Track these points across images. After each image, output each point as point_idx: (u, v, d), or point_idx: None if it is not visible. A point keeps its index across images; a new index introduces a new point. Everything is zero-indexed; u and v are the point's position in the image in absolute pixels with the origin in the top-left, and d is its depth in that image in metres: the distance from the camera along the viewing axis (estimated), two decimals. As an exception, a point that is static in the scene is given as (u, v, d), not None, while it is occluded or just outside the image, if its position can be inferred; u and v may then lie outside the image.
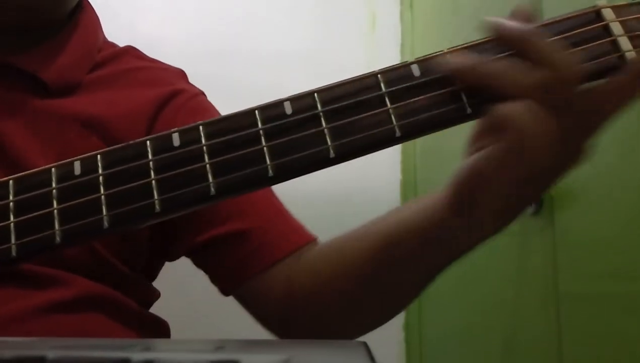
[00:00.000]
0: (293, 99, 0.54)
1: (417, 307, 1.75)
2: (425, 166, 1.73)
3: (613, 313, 0.94)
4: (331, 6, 1.89)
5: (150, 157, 0.53)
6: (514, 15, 0.54)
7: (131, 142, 0.53)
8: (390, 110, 0.53)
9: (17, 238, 0.52)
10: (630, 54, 0.54)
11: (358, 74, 0.54)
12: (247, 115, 0.54)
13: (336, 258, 0.73)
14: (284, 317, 0.78)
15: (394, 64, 0.55)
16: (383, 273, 0.68)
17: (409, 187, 1.80)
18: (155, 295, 0.86)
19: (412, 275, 0.68)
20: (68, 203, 0.52)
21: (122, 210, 0.52)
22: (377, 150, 0.54)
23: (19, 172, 0.54)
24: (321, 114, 0.53)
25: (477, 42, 0.55)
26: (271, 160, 0.52)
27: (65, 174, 0.53)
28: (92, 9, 0.89)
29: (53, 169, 0.53)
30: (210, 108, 0.88)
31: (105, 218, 0.52)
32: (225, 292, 0.82)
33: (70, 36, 0.82)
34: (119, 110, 0.79)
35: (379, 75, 0.54)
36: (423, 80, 0.54)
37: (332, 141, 0.52)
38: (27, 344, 0.45)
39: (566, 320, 1.05)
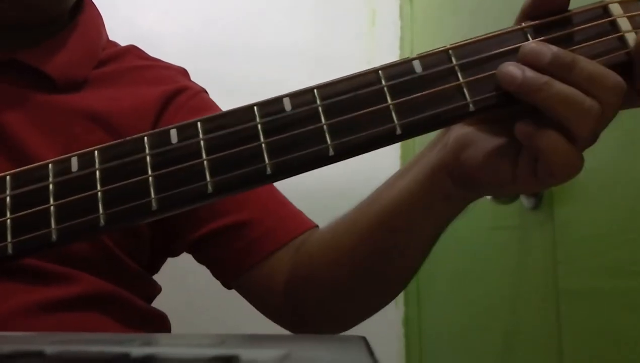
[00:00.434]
0: (292, 95, 0.54)
1: (416, 302, 1.75)
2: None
3: (613, 309, 0.94)
4: (331, 2, 1.89)
5: (147, 153, 0.52)
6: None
7: (128, 138, 0.53)
8: (391, 107, 0.52)
9: (13, 236, 0.51)
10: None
11: (358, 70, 0.53)
12: (246, 112, 0.53)
13: (331, 244, 0.73)
14: (286, 306, 0.78)
15: (395, 60, 0.54)
16: (375, 257, 0.69)
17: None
18: (156, 289, 0.86)
19: (404, 255, 0.70)
20: (64, 200, 0.52)
21: (118, 209, 0.51)
22: (378, 149, 0.54)
23: (25, 165, 0.54)
24: (321, 110, 0.53)
25: (480, 37, 0.54)
26: (269, 158, 0.51)
27: (63, 170, 0.53)
28: (95, 8, 0.90)
29: (50, 165, 0.53)
30: (213, 105, 0.88)
31: (101, 216, 0.51)
32: (227, 284, 0.83)
33: (73, 34, 0.83)
34: (124, 106, 0.79)
35: (380, 72, 0.54)
36: (425, 76, 0.54)
37: (331, 139, 0.52)
38: (25, 339, 0.45)
39: (566, 315, 1.05)
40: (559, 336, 1.06)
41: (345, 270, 0.71)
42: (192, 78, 0.94)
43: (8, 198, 0.52)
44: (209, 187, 0.51)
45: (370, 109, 0.52)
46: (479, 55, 0.54)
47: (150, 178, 0.52)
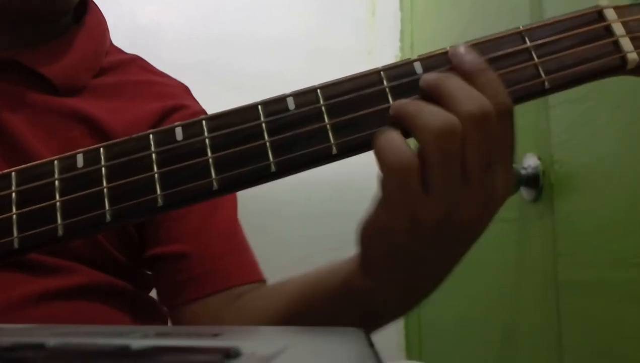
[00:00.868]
0: (296, 95, 0.54)
1: (416, 294, 1.75)
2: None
3: (613, 301, 0.94)
4: (331, -7, 1.89)
5: (153, 150, 0.53)
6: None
7: (134, 135, 0.53)
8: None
9: (19, 231, 0.51)
10: (632, 55, 0.54)
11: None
12: (250, 110, 0.53)
13: (258, 312, 0.72)
14: None
15: (396, 61, 0.55)
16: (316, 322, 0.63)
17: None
18: (152, 280, 0.87)
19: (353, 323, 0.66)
20: (70, 196, 0.52)
21: (124, 205, 0.52)
22: None
23: (27, 162, 0.54)
24: (324, 110, 0.53)
25: (479, 40, 0.54)
26: (274, 156, 0.52)
27: (68, 166, 0.53)
28: (99, 11, 0.90)
29: (56, 161, 0.53)
30: None
31: (107, 212, 0.52)
32: (167, 308, 0.82)
33: (77, 37, 0.83)
34: (121, 119, 0.79)
35: (381, 72, 0.54)
36: None
37: (334, 138, 0.52)
38: (26, 331, 0.45)
39: (566, 307, 1.05)
40: (559, 328, 1.06)
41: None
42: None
43: (14, 194, 0.52)
44: (215, 184, 0.52)
45: (372, 109, 0.53)
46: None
47: (156, 175, 0.52)
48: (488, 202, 0.52)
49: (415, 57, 0.55)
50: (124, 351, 0.31)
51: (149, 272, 0.84)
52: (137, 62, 0.90)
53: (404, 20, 1.87)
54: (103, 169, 0.52)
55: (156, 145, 0.53)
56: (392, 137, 0.49)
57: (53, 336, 0.38)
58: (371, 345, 0.38)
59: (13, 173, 0.53)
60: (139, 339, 0.36)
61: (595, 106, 0.97)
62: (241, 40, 1.78)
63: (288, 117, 0.53)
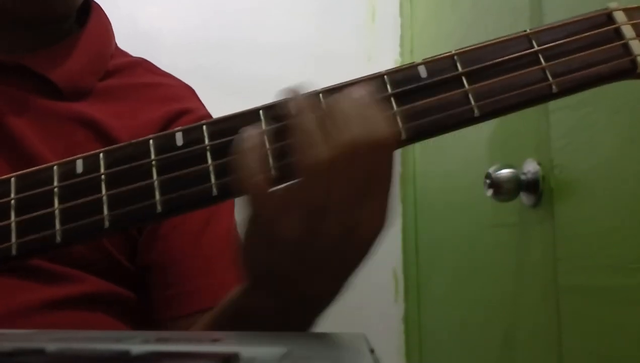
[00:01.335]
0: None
1: (416, 299, 1.75)
2: (425, 159, 1.73)
3: (613, 306, 0.94)
4: (331, -2, 1.89)
5: (153, 156, 0.52)
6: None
7: (134, 141, 0.53)
8: (397, 112, 0.53)
9: (17, 237, 0.51)
10: None
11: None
12: (251, 115, 0.53)
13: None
14: None
15: (401, 65, 0.54)
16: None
17: (408, 179, 1.80)
18: None
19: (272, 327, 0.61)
20: (70, 203, 0.52)
21: (123, 211, 0.51)
22: None
23: (31, 167, 0.54)
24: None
25: (485, 43, 0.54)
26: (274, 162, 0.52)
27: (68, 172, 0.53)
28: (104, 14, 0.90)
29: (55, 167, 0.53)
30: None
31: (106, 218, 0.51)
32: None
33: (81, 41, 0.83)
34: (126, 123, 0.79)
35: (385, 76, 0.54)
36: (430, 81, 0.54)
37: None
38: (26, 336, 0.45)
39: (566, 312, 1.05)
40: (559, 333, 1.06)
41: None
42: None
43: (13, 200, 0.52)
44: (214, 190, 0.51)
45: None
46: (484, 62, 0.54)
47: (156, 181, 0.52)
48: (350, 235, 0.51)
49: (419, 60, 0.54)
50: (124, 356, 0.31)
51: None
52: (143, 65, 0.90)
53: (403, 25, 1.88)
54: (102, 174, 0.52)
55: (156, 151, 0.53)
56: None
57: (53, 341, 0.38)
58: (371, 350, 0.38)
59: (12, 178, 0.53)
60: (139, 344, 0.36)
61: (595, 111, 0.97)
62: (241, 44, 1.78)
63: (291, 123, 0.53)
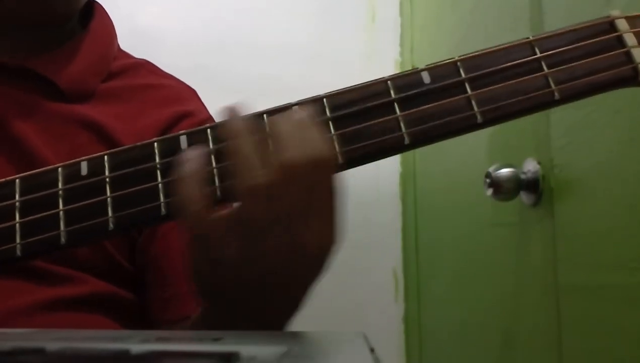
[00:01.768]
0: (302, 103, 0.54)
1: (416, 298, 1.75)
2: (425, 158, 1.73)
3: (613, 305, 0.94)
4: (331, -1, 1.89)
5: (157, 159, 0.53)
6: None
7: (138, 143, 0.53)
8: (400, 118, 0.53)
9: (22, 238, 0.51)
10: None
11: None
12: (256, 119, 0.53)
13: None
14: None
15: (403, 71, 0.55)
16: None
17: (408, 178, 1.80)
18: None
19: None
20: (74, 205, 0.52)
21: (127, 213, 0.52)
22: (386, 157, 0.54)
23: (34, 169, 0.54)
24: (330, 119, 0.53)
25: (488, 50, 0.54)
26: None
27: (72, 173, 0.53)
28: (107, 16, 0.90)
29: (60, 169, 0.53)
30: None
31: (111, 220, 0.52)
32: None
33: (84, 42, 0.83)
34: (129, 126, 0.79)
35: (388, 82, 0.54)
36: (433, 87, 0.54)
37: (340, 148, 0.52)
38: (26, 336, 0.45)
39: (566, 311, 1.05)
40: (559, 332, 1.06)
41: None
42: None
43: (18, 202, 0.52)
44: (218, 192, 0.52)
45: (379, 119, 0.52)
46: (487, 68, 0.54)
47: (160, 184, 0.52)
48: (297, 252, 0.51)
49: (422, 66, 0.54)
50: (124, 355, 0.31)
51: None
52: (146, 66, 0.90)
53: (403, 25, 1.88)
54: (107, 176, 0.52)
55: (160, 154, 0.53)
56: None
57: (53, 341, 0.38)
58: (371, 349, 0.38)
59: (17, 180, 0.53)
60: (139, 344, 0.36)
61: (595, 110, 0.97)
62: (241, 45, 1.79)
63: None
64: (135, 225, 0.53)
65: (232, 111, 0.52)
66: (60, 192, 0.52)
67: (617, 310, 0.93)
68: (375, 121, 0.53)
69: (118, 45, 0.90)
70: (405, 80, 0.54)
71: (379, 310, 1.77)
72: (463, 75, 0.54)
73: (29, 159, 0.73)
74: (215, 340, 0.39)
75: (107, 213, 0.52)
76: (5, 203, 0.52)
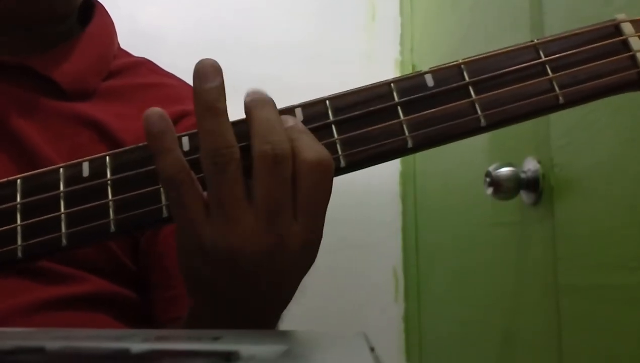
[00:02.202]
0: (304, 106, 0.54)
1: (416, 298, 1.75)
2: (425, 158, 1.73)
3: (613, 305, 0.94)
4: (331, -2, 1.89)
5: None
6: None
7: (140, 144, 0.53)
8: (403, 122, 0.53)
9: (23, 240, 0.51)
10: None
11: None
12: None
13: None
14: None
15: (407, 73, 0.54)
16: None
17: (408, 178, 1.80)
18: None
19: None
20: (76, 207, 0.52)
21: (129, 215, 0.52)
22: (388, 161, 0.54)
23: (35, 167, 0.54)
24: (332, 122, 0.53)
25: (492, 53, 0.54)
26: None
27: (74, 175, 0.53)
28: (107, 14, 0.90)
29: (61, 170, 0.53)
30: None
31: (112, 222, 0.51)
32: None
33: (84, 42, 0.83)
34: (130, 124, 0.79)
35: (391, 84, 0.53)
36: (437, 90, 0.53)
37: (342, 151, 0.52)
38: (26, 335, 0.45)
39: (566, 311, 1.05)
40: (559, 332, 1.06)
41: None
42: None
43: (19, 203, 0.52)
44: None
45: (382, 123, 0.52)
46: (491, 71, 0.54)
47: (162, 186, 0.52)
48: (276, 246, 0.51)
49: (425, 68, 0.54)
50: (124, 354, 0.31)
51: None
52: (146, 65, 0.90)
53: (403, 25, 1.88)
54: (109, 178, 0.52)
55: None
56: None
57: (53, 340, 0.38)
58: (372, 349, 0.38)
59: (18, 180, 0.53)
60: (139, 343, 0.36)
61: (596, 110, 0.96)
62: (241, 44, 1.78)
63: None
64: (136, 227, 0.52)
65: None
66: (62, 194, 0.52)
67: (617, 310, 0.93)
68: (379, 125, 0.53)
69: (118, 44, 0.90)
70: (409, 83, 0.54)
71: (379, 309, 1.77)
72: (467, 78, 0.53)
73: (29, 157, 0.73)
74: (215, 339, 0.39)
75: (108, 216, 0.52)
76: (6, 204, 0.52)
